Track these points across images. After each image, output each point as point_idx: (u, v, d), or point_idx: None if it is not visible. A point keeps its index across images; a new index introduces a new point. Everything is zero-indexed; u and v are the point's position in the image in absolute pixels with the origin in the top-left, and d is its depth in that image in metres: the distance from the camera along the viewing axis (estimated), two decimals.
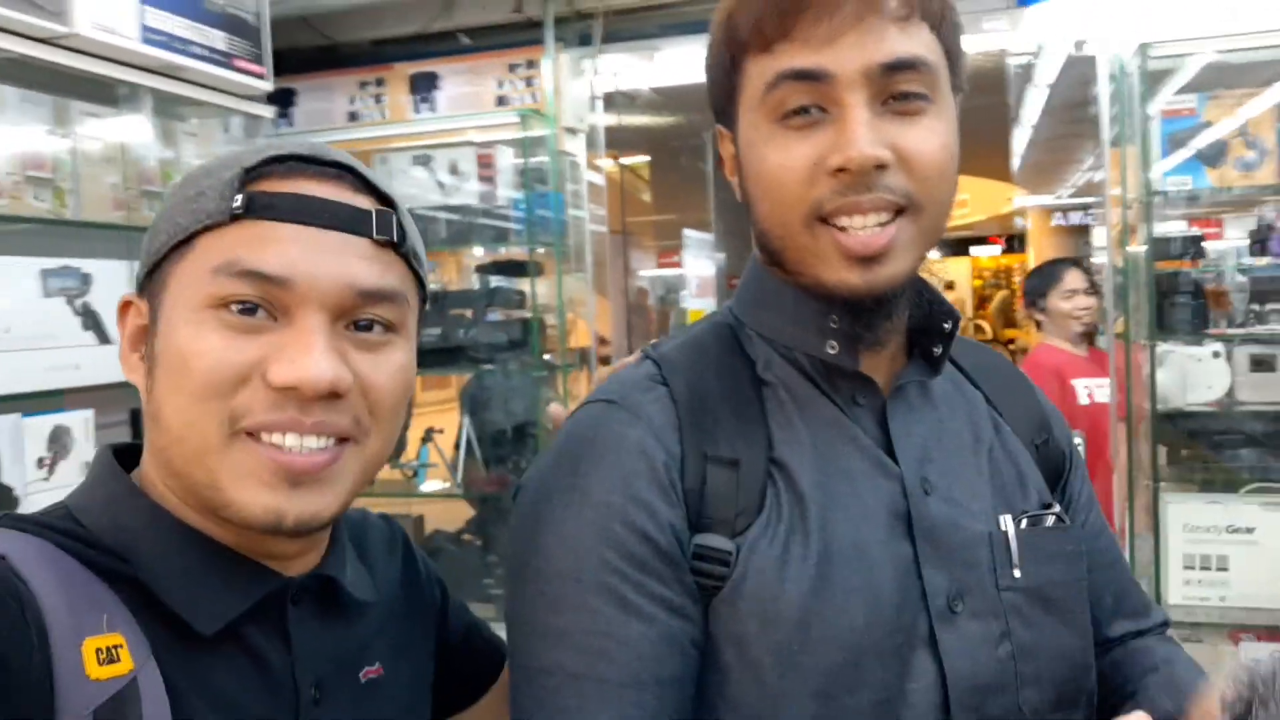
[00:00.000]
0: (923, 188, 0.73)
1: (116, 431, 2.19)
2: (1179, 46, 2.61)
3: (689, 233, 4.64)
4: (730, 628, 0.73)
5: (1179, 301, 2.53)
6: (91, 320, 2.08)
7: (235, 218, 0.65)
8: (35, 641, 0.57)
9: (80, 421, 2.03)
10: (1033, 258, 8.88)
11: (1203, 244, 2.77)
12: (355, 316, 0.68)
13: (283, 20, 2.72)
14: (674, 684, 0.72)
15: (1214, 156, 2.60)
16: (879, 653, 0.72)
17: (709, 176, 5.24)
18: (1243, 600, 2.44)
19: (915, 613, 0.74)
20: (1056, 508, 0.84)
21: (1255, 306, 2.67)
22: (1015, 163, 6.15)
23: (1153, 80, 2.64)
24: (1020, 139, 5.52)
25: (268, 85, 2.57)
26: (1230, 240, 3.52)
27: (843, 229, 0.72)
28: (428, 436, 3.31)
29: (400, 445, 3.36)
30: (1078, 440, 2.72)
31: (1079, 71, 3.37)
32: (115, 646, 0.60)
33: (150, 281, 0.69)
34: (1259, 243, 2.81)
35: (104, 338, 2.10)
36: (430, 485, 3.31)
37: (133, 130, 2.30)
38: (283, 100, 3.18)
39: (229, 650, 0.66)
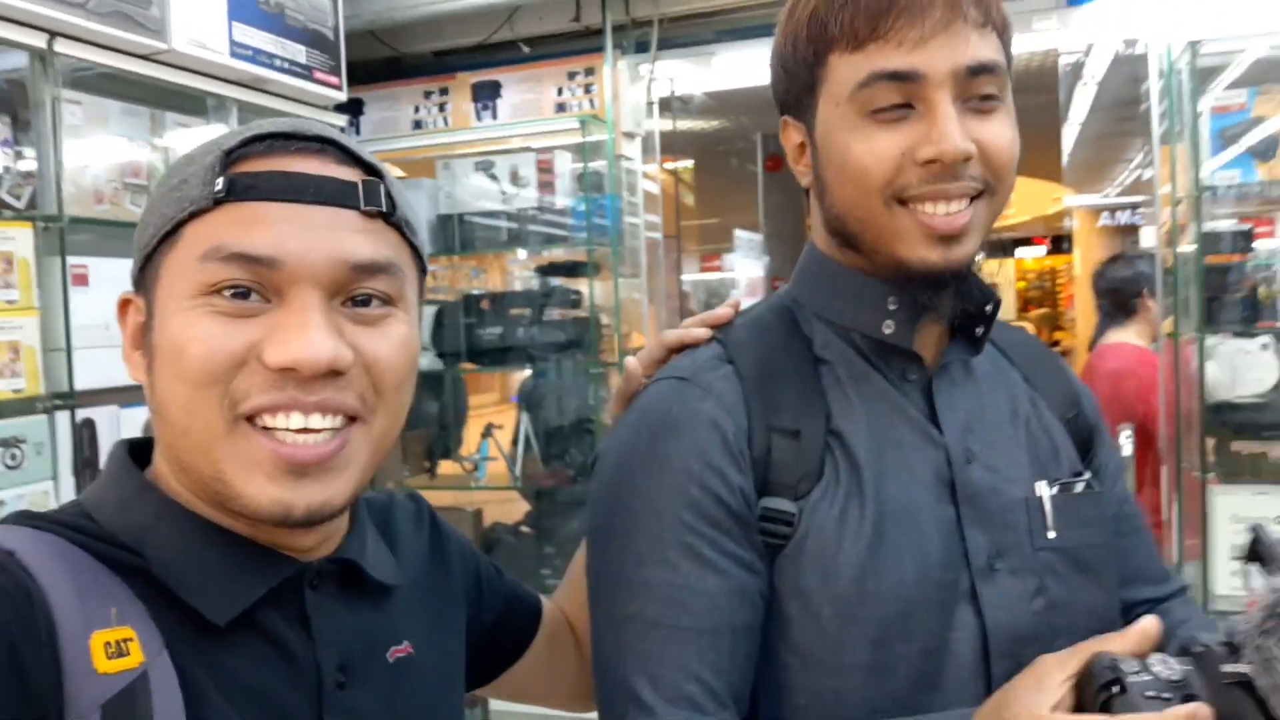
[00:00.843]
0: (996, 176, 0.81)
1: None
2: (1229, 43, 2.62)
3: (740, 233, 4.67)
4: (794, 582, 0.80)
5: (1229, 294, 2.55)
6: None
7: (219, 202, 0.64)
8: (43, 636, 0.56)
9: None
10: (1079, 259, 8.79)
11: (1253, 241, 2.78)
12: (351, 292, 0.66)
13: (352, 34, 2.83)
14: (745, 631, 0.80)
15: (1265, 151, 2.62)
16: (927, 605, 0.80)
17: (759, 179, 5.28)
18: None
19: (959, 570, 0.82)
20: (1087, 475, 0.91)
21: None
22: (1065, 161, 6.12)
23: (1203, 77, 2.65)
24: (1069, 137, 5.50)
25: (342, 96, 2.70)
26: None
27: (927, 211, 0.80)
28: (487, 432, 3.41)
29: (458, 440, 3.47)
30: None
31: (1127, 69, 3.38)
32: (125, 640, 0.59)
33: (144, 276, 0.68)
34: None
35: None
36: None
37: None
38: (352, 110, 3.29)
39: (247, 639, 0.66)
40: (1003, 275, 12.08)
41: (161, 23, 2.11)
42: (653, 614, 0.78)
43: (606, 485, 0.85)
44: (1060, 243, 11.95)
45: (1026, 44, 3.22)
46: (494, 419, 3.54)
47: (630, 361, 0.94)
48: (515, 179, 3.16)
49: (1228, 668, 0.63)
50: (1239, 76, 2.74)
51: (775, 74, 0.89)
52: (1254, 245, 2.74)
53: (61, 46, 1.95)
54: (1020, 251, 12.75)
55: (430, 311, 3.17)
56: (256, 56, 2.38)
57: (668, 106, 3.40)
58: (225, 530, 0.67)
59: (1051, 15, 3.00)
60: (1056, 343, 10.06)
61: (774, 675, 0.81)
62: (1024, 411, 0.92)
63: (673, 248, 3.71)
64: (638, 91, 3.26)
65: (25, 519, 0.64)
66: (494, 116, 3.34)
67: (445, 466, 3.47)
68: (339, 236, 0.65)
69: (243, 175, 0.64)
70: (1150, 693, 0.63)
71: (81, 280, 1.99)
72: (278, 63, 2.45)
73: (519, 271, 3.93)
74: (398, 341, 0.68)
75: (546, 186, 3.14)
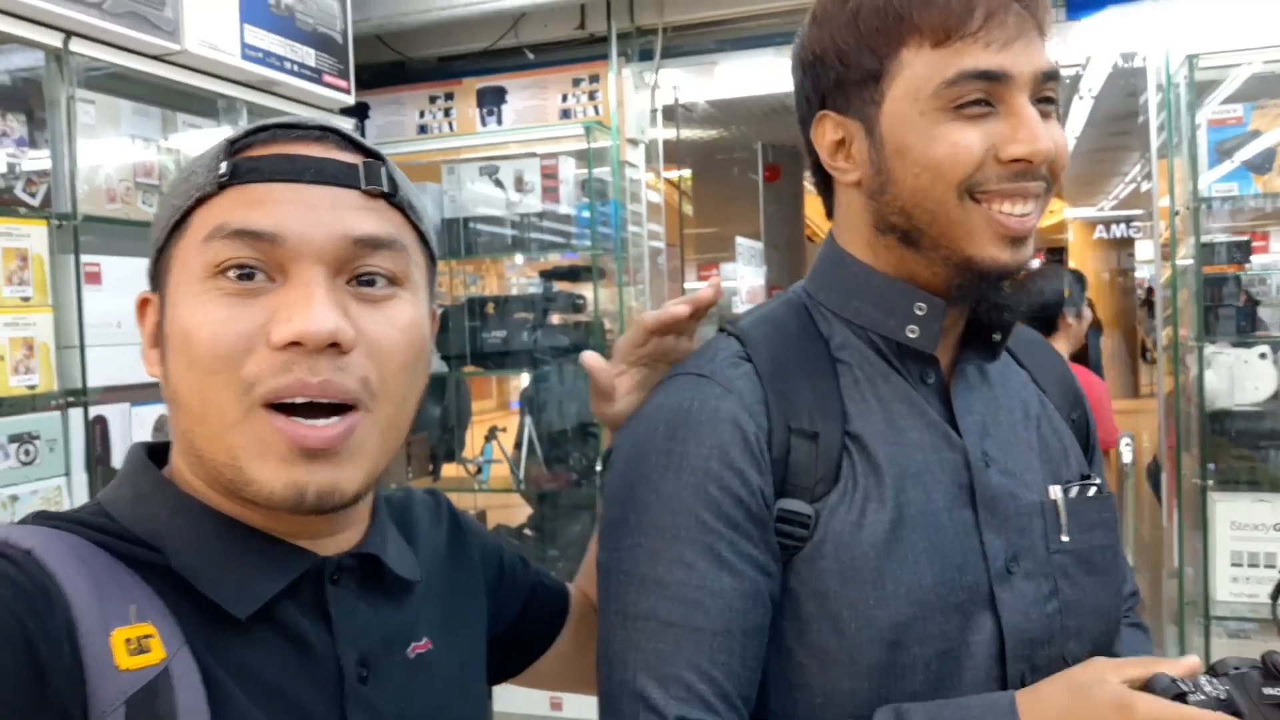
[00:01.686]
0: (1055, 177, 0.83)
1: None
2: (1226, 57, 2.67)
3: (741, 240, 4.69)
4: (811, 583, 0.80)
5: (1226, 304, 2.59)
6: None
7: (223, 186, 0.65)
8: (63, 634, 0.56)
9: None
10: None
11: (1250, 252, 2.82)
12: (355, 269, 0.66)
13: (359, 38, 2.85)
14: (756, 633, 0.79)
15: (1261, 165, 2.66)
16: (944, 608, 0.80)
17: (759, 188, 5.30)
18: None
19: (977, 573, 0.82)
20: (1097, 479, 0.92)
21: None
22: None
23: (1200, 90, 2.70)
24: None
25: (350, 99, 2.72)
26: (1276, 254, 3.54)
27: (1003, 212, 0.80)
28: (492, 434, 3.42)
29: (461, 442, 3.48)
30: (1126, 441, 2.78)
31: (1123, 83, 3.42)
32: (145, 637, 0.59)
33: (157, 271, 0.69)
34: None
35: None
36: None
37: None
38: (358, 114, 3.30)
39: (267, 634, 0.65)
40: None
41: (175, 24, 2.13)
42: (666, 613, 0.78)
43: (621, 480, 0.84)
44: (1056, 255, 12.03)
45: None
46: (493, 425, 3.55)
47: (590, 358, 0.93)
48: (520, 184, 3.18)
49: (1270, 690, 0.69)
50: (1235, 91, 2.78)
51: (813, 67, 0.86)
52: (1250, 258, 2.78)
53: (77, 46, 1.97)
54: None
55: None
56: (267, 59, 2.40)
57: (671, 115, 3.43)
58: (243, 524, 0.67)
59: (1050, 28, 3.02)
60: None
61: (790, 674, 0.81)
62: (1035, 413, 0.93)
63: (674, 255, 3.73)
64: (642, 99, 3.29)
65: (43, 519, 0.64)
66: (499, 122, 3.36)
67: (449, 469, 3.48)
68: (340, 214, 0.65)
69: (246, 159, 0.65)
70: (1208, 708, 0.69)
71: (94, 279, 2.01)
72: (288, 65, 2.47)
73: (516, 278, 3.96)
74: (402, 324, 0.68)
75: (550, 192, 3.16)
